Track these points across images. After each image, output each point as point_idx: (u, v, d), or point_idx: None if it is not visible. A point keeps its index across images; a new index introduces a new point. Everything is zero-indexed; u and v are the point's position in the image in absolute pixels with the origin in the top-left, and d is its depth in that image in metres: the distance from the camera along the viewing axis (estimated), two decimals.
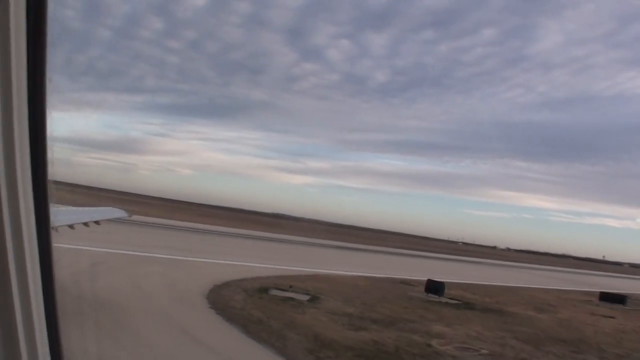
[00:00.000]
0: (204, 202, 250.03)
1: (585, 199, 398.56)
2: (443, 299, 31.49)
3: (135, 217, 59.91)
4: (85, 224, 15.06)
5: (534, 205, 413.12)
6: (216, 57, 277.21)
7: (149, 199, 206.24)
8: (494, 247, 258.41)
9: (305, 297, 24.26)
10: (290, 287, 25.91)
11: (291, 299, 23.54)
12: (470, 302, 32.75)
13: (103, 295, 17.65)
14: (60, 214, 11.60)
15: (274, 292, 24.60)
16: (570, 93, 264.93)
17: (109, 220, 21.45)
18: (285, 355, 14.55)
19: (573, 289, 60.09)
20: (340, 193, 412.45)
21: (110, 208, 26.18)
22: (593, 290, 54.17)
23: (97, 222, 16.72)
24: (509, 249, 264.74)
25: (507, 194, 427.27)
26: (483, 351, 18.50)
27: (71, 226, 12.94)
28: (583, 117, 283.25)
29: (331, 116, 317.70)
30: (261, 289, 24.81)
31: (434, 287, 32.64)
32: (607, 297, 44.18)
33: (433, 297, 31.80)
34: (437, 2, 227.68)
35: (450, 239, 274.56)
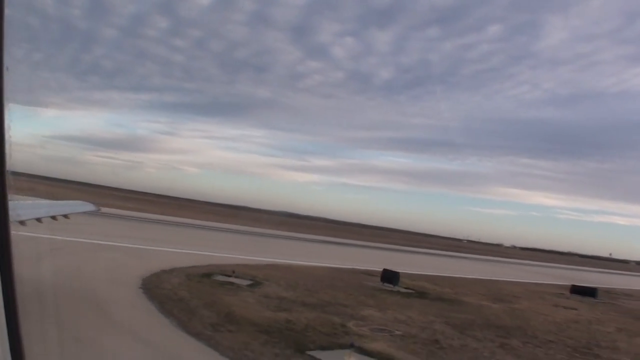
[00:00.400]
0: (209, 200, 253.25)
1: (592, 197, 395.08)
2: (396, 288, 32.19)
3: (114, 211, 61.54)
4: (54, 217, 15.06)
5: (540, 203, 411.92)
6: (221, 55, 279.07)
7: (150, 197, 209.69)
8: (500, 245, 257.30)
9: (246, 282, 25.19)
10: (233, 272, 26.88)
11: (230, 283, 24.50)
12: (425, 292, 33.42)
13: (39, 276, 18.69)
14: (28, 207, 12.14)
15: (218, 277, 25.57)
16: (577, 90, 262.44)
17: (82, 213, 22.39)
18: (185, 327, 15.45)
19: (559, 284, 60.07)
20: (345, 191, 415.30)
21: (80, 202, 27.17)
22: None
23: (66, 216, 16.81)
24: (514, 247, 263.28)
25: (513, 192, 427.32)
26: (397, 332, 19.23)
27: (39, 219, 12.97)
28: (589, 114, 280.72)
29: (336, 114, 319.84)
30: (206, 275, 25.80)
31: (389, 277, 33.36)
32: (578, 290, 44.78)
33: (388, 286, 32.53)
34: None
35: (456, 236, 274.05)
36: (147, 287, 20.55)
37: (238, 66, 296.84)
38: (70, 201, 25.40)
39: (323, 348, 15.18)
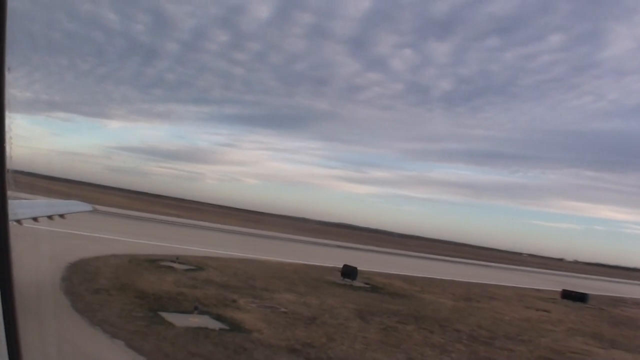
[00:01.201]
0: (267, 211, 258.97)
1: None
2: (351, 283, 33.38)
3: (133, 213, 66.59)
4: (50, 217, 15.32)
5: (607, 217, 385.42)
6: (280, 68, 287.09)
7: (207, 207, 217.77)
8: (561, 260, 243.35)
9: (185, 267, 27.70)
10: (177, 258, 29.47)
11: (168, 267, 27.10)
12: (381, 287, 34.29)
13: None
14: (26, 206, 12.48)
15: (162, 263, 28.24)
16: None
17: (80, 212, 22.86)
18: (68, 289, 18.08)
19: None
20: (403, 203, 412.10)
21: (76, 202, 27.11)
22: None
23: (61, 216, 17.13)
24: (576, 262, 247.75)
25: (577, 205, 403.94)
26: (282, 310, 20.84)
27: (35, 219, 13.20)
28: None
29: (395, 126, 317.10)
30: (152, 261, 28.53)
31: (348, 272, 34.64)
32: (569, 296, 43.66)
33: (346, 281, 33.77)
34: (502, 8, 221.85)
35: (515, 250, 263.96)
36: (77, 264, 23.50)
37: (297, 79, 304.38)
38: (68, 201, 26.62)
39: (189, 312, 17.15)
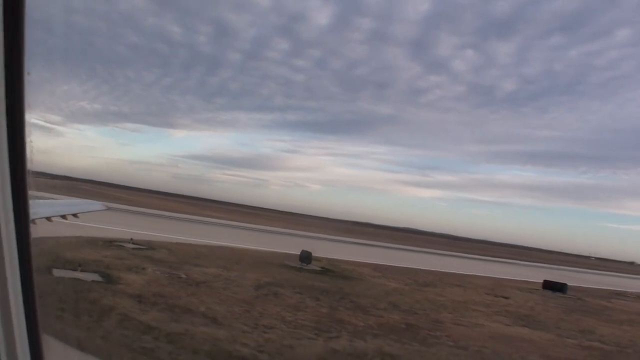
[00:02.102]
0: (331, 217, 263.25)
1: None
2: (305, 266, 36.03)
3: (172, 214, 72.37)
4: (64, 216, 15.18)
5: None
6: (341, 73, 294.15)
7: (268, 212, 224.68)
8: (632, 263, 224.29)
9: (134, 247, 31.59)
10: (131, 239, 33.53)
11: (119, 246, 31.22)
12: (334, 271, 36.51)
13: None
14: (40, 206, 12.25)
15: (117, 243, 32.33)
16: None
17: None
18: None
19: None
20: (469, 206, 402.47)
21: (90, 201, 27.63)
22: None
23: (75, 215, 16.90)
24: None
25: None
26: (182, 276, 24.03)
27: (49, 219, 13.13)
28: None
29: (458, 128, 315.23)
30: (111, 241, 32.60)
31: (304, 257, 37.10)
32: (549, 286, 43.49)
33: (302, 265, 36.25)
34: (565, 5, 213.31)
35: (583, 253, 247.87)
36: (43, 239, 28.14)
37: (358, 84, 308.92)
38: (82, 200, 27.34)
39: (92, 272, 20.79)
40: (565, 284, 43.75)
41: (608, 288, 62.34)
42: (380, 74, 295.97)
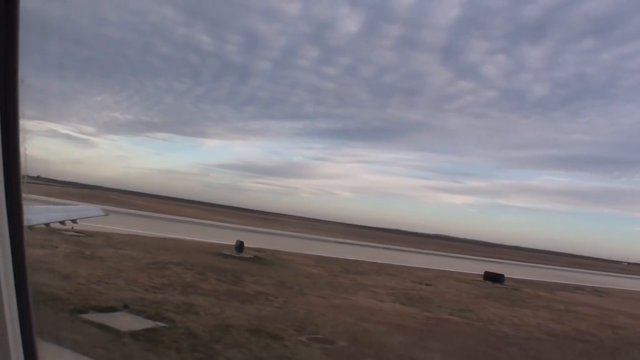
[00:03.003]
0: (361, 224, 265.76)
1: None
2: (234, 254, 39.99)
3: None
4: (62, 222, 15.73)
5: None
6: (371, 80, 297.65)
7: (295, 219, 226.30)
8: None
9: (77, 234, 35.39)
10: (72, 227, 37.69)
11: (76, 235, 35.08)
12: (264, 258, 40.50)
13: None
14: (38, 212, 12.42)
15: (68, 234, 36.71)
16: None
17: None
18: None
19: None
20: (501, 212, 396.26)
21: (88, 206, 28.46)
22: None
23: (74, 221, 17.56)
24: None
25: None
26: (97, 255, 28.11)
27: (47, 225, 13.52)
28: None
29: (489, 134, 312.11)
30: (75, 234, 37.15)
31: (238, 247, 41.14)
32: (489, 277, 45.88)
33: (234, 253, 39.97)
34: (597, 8, 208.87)
35: (616, 259, 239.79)
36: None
37: (388, 90, 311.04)
38: (81, 205, 28.05)
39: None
40: (502, 275, 46.32)
41: (578, 284, 63.96)
42: (409, 80, 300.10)
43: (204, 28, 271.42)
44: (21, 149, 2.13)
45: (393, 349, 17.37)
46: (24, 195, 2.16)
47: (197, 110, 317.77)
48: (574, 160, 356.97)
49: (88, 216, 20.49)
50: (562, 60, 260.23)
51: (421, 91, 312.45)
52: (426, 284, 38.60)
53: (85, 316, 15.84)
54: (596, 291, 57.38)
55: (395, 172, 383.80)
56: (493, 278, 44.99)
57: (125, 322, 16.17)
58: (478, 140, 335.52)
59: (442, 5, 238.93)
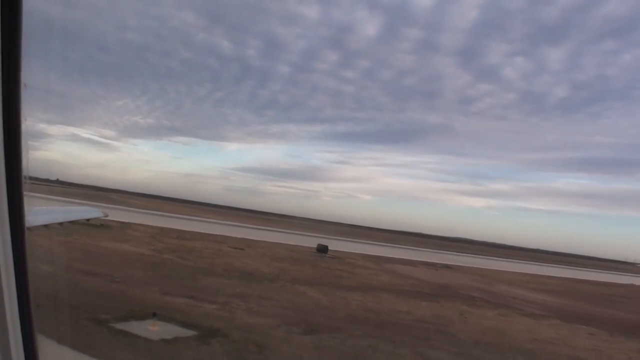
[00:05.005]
0: (381, 227, 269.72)
1: None
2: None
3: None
4: (60, 223, 14.66)
5: None
6: (390, 84, 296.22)
7: (312, 222, 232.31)
8: None
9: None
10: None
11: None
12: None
13: None
14: (37, 214, 11.88)
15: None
16: None
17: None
18: None
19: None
20: (523, 215, 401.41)
21: (87, 207, 28.21)
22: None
23: (72, 222, 16.63)
24: None
25: None
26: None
27: (46, 226, 12.73)
28: None
29: (510, 136, 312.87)
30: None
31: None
32: (319, 249, 65.25)
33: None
34: (617, 9, 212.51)
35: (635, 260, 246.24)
36: None
37: (407, 93, 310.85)
38: (80, 207, 28.73)
39: None
40: (326, 246, 64.51)
41: (445, 263, 79.84)
42: (429, 83, 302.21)
43: (224, 33, 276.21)
44: (23, 150, 2.21)
45: None
46: (25, 194, 2.23)
47: (217, 114, 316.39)
48: (595, 163, 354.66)
49: (87, 217, 21.02)
50: (582, 62, 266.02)
51: (441, 94, 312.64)
52: (239, 248, 54.95)
53: None
54: (447, 267, 72.56)
55: (416, 175, 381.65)
56: (321, 249, 62.90)
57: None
58: (499, 143, 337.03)
59: (461, 7, 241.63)
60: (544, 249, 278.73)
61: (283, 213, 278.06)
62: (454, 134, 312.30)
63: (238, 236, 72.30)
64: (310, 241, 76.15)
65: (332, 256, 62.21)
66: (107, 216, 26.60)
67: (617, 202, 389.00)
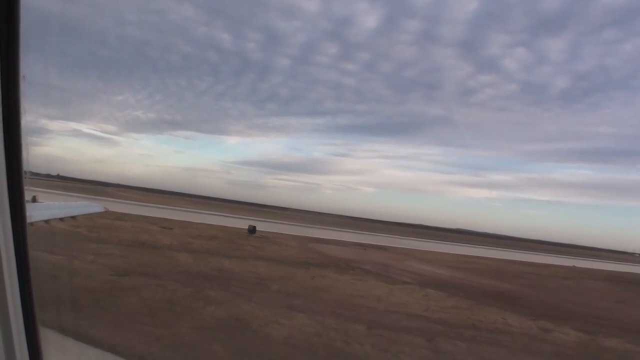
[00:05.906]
0: (383, 219, 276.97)
1: None
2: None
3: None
4: (61, 219, 15.68)
5: None
6: (391, 75, 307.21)
7: (313, 215, 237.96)
8: None
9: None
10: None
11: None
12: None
13: None
14: (38, 209, 13.21)
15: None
16: None
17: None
18: None
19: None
20: (524, 206, 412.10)
21: (88, 202, 28.76)
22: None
23: (73, 217, 17.53)
24: None
25: None
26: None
27: (47, 222, 13.55)
28: None
29: (511, 127, 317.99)
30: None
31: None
32: (250, 230, 70.69)
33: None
34: None
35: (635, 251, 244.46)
36: None
37: (408, 85, 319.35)
38: (80, 202, 28.61)
39: None
40: (254, 227, 70.16)
41: (380, 244, 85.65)
42: (429, 75, 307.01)
43: (224, 26, 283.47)
44: (23, 145, 2.20)
45: None
46: (25, 189, 2.23)
47: (218, 108, 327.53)
48: (597, 153, 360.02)
49: (87, 212, 20.91)
50: (583, 52, 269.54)
51: (441, 85, 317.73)
52: (169, 228, 59.88)
53: None
54: (380, 248, 77.50)
55: (417, 167, 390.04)
56: (251, 230, 68.80)
57: None
58: (500, 134, 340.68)
59: None
60: (545, 239, 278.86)
61: (283, 206, 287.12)
62: (454, 125, 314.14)
63: (195, 221, 76.84)
64: (268, 226, 78.78)
65: (260, 236, 67.38)
66: (107, 210, 27.43)
67: (618, 192, 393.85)
